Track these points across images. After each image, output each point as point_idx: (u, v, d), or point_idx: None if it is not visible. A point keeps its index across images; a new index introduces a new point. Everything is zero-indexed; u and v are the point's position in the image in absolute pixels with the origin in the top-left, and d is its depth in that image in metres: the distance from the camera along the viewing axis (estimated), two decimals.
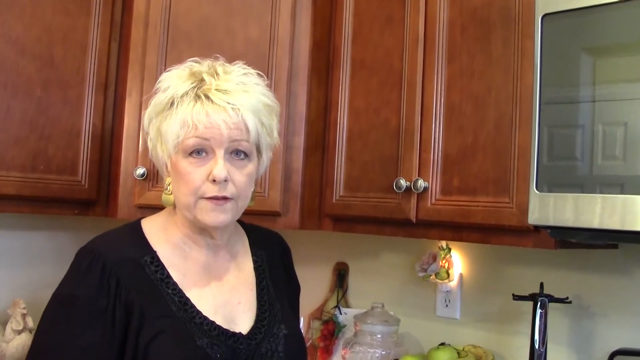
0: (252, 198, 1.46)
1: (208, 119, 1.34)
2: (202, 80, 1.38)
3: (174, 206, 1.45)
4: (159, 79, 1.44)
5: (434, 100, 1.93)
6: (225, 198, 1.36)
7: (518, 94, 1.74)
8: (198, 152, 1.36)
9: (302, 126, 2.19)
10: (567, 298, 1.92)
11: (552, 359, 1.94)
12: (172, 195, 1.43)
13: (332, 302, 2.58)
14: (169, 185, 1.43)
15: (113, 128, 2.18)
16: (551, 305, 1.90)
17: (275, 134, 1.48)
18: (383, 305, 2.32)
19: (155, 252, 1.41)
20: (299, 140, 2.18)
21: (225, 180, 1.35)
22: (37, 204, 2.06)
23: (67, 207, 2.12)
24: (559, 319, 2.01)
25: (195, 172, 1.36)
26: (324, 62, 2.24)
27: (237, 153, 1.38)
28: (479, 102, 1.84)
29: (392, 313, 2.32)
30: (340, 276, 2.59)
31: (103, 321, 1.31)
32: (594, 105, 1.54)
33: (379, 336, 2.27)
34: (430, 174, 1.92)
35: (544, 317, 1.88)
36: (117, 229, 1.47)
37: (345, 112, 2.17)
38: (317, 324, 2.56)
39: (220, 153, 1.36)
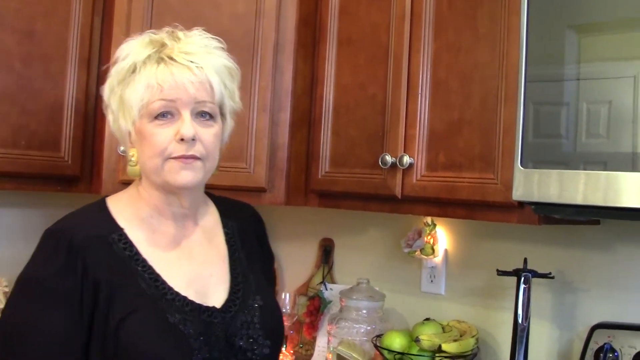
0: (217, 167, 1.45)
1: (173, 78, 1.33)
2: (164, 44, 1.37)
3: (141, 177, 1.43)
4: (118, 50, 1.41)
5: (420, 76, 1.92)
6: (193, 157, 1.35)
7: (504, 70, 1.73)
8: (163, 114, 1.35)
9: (287, 101, 2.17)
10: (550, 273, 1.94)
11: (535, 333, 1.97)
12: (137, 166, 1.41)
13: (318, 278, 2.59)
14: (132, 156, 1.41)
15: (96, 103, 2.16)
16: (534, 280, 1.91)
17: (238, 98, 1.47)
18: (368, 281, 2.33)
19: (122, 229, 1.39)
20: (285, 116, 2.17)
21: (193, 140, 1.34)
22: (19, 180, 2.04)
23: (50, 184, 2.11)
24: (542, 294, 2.03)
25: (161, 133, 1.34)
26: (310, 37, 2.22)
27: (202, 114, 1.37)
28: (465, 78, 1.83)
29: (377, 289, 2.33)
30: (326, 252, 2.60)
31: (70, 302, 1.29)
32: (578, 83, 1.55)
33: (364, 312, 2.28)
34: (416, 150, 1.92)
35: (528, 292, 1.89)
36: (82, 208, 1.45)
37: (332, 87, 2.16)
38: (302, 300, 2.57)
39: (186, 113, 1.35)
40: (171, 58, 1.35)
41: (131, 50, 1.38)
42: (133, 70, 1.36)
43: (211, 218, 1.53)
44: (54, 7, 2.07)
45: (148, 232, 1.41)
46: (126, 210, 1.42)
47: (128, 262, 1.35)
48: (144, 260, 1.37)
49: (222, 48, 1.44)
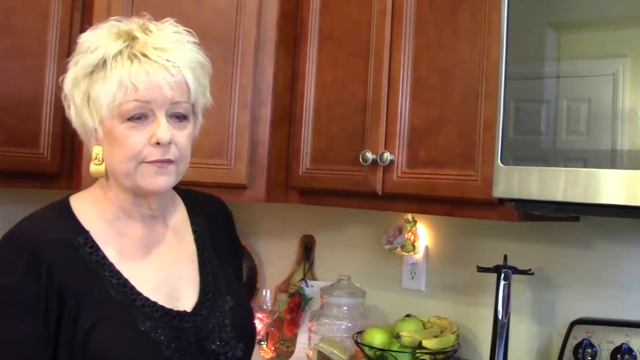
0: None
1: (149, 78, 1.25)
2: (135, 38, 1.29)
3: (106, 177, 1.35)
4: (81, 39, 1.33)
5: (401, 73, 1.92)
6: (169, 161, 1.29)
7: (484, 67, 1.74)
8: (137, 116, 1.27)
9: (268, 98, 2.17)
10: (530, 270, 1.95)
11: (515, 329, 1.98)
12: (102, 166, 1.33)
13: (299, 275, 2.59)
14: (97, 154, 1.33)
15: None
16: (514, 277, 1.93)
17: (208, 93, 1.40)
18: (349, 278, 2.33)
19: (87, 232, 1.31)
20: (266, 113, 2.16)
21: (169, 143, 1.28)
22: None
23: (30, 180, 2.08)
24: (522, 290, 2.04)
25: (135, 136, 1.27)
26: (291, 33, 2.21)
27: (176, 115, 1.31)
28: (445, 75, 1.84)
29: (358, 285, 2.33)
30: (307, 249, 2.60)
31: (35, 311, 1.23)
32: (558, 81, 1.56)
33: (345, 308, 2.29)
34: (397, 147, 1.92)
35: (507, 288, 1.91)
36: (43, 209, 1.37)
37: (313, 84, 2.16)
38: (283, 297, 2.57)
39: (161, 115, 1.27)
40: (145, 55, 1.27)
41: (100, 43, 1.29)
42: (103, 65, 1.27)
43: (179, 217, 1.47)
44: (32, 1, 2.05)
45: (115, 235, 1.34)
46: (91, 212, 1.35)
47: (95, 267, 1.29)
48: (111, 265, 1.30)
49: (195, 42, 1.37)
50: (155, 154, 1.28)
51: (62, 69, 2.06)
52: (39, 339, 1.23)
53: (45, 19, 2.08)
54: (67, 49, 2.12)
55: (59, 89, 2.06)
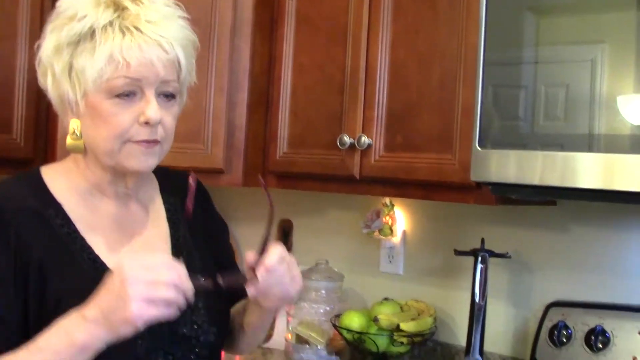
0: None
1: (142, 54, 1.19)
2: (125, 8, 1.21)
3: (85, 153, 1.28)
4: (62, 4, 1.24)
5: (379, 57, 1.91)
6: (155, 141, 1.24)
7: (463, 52, 1.74)
8: (126, 93, 1.21)
9: (245, 82, 2.15)
10: (507, 253, 1.97)
11: (492, 312, 2.00)
12: (80, 141, 1.26)
13: None
14: (77, 128, 1.25)
15: None
16: (492, 260, 1.94)
17: (194, 72, 1.35)
18: (327, 262, 2.33)
19: (60, 204, 1.26)
20: (243, 96, 2.15)
21: (158, 123, 1.24)
22: None
23: (3, 167, 2.05)
24: (499, 274, 2.06)
25: (123, 114, 1.21)
26: (268, 16, 2.19)
27: (165, 94, 1.26)
28: (424, 60, 1.83)
29: (336, 269, 2.34)
30: (285, 233, 2.59)
31: (4, 278, 1.18)
32: (536, 67, 1.56)
33: (323, 292, 2.29)
34: (374, 131, 1.92)
35: (485, 271, 1.92)
36: (12, 178, 1.30)
37: (290, 67, 2.14)
38: None
39: (151, 93, 1.22)
40: (137, 29, 1.20)
41: (87, 11, 1.21)
42: (91, 35, 1.20)
43: (153, 194, 1.42)
44: None
45: (87, 210, 1.29)
46: (63, 184, 1.29)
47: (65, 240, 1.24)
48: (82, 239, 1.25)
49: (185, 17, 1.31)
50: (143, 133, 1.23)
51: (34, 54, 2.04)
52: (9, 305, 1.18)
53: (15, 2, 2.04)
54: (39, 32, 2.07)
55: (31, 72, 2.04)
